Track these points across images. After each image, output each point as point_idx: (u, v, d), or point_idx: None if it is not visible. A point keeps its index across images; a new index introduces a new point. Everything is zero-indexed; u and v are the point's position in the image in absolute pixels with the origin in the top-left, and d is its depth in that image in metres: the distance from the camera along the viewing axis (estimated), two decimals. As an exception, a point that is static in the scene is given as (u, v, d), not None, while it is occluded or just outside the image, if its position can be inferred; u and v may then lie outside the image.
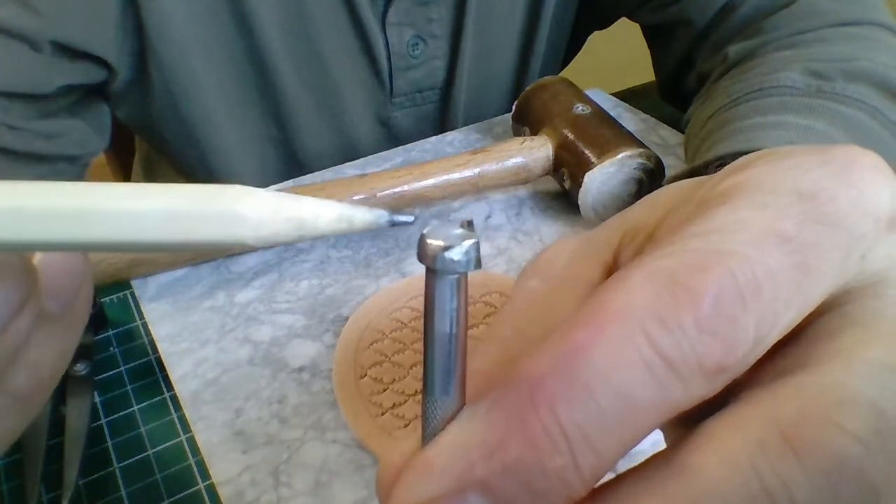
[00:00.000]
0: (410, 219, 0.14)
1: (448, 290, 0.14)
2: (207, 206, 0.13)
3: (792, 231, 0.14)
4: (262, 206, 0.13)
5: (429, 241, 0.13)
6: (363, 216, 0.14)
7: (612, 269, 0.18)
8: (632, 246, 0.18)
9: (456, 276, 0.14)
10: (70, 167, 0.54)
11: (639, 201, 0.19)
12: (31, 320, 0.18)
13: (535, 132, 0.51)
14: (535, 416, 0.13)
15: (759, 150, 0.43)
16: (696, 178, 0.18)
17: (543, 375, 0.13)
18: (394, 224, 0.14)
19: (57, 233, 0.13)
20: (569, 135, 0.48)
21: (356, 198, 0.44)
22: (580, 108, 0.50)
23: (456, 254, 0.13)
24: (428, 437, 0.14)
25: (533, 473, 0.13)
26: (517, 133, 0.54)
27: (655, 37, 0.63)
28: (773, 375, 0.14)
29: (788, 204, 0.14)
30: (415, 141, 0.59)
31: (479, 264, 0.14)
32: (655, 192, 0.19)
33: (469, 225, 0.14)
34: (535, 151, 0.48)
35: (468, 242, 0.13)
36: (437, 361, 0.14)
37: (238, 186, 0.14)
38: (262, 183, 0.55)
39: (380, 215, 0.14)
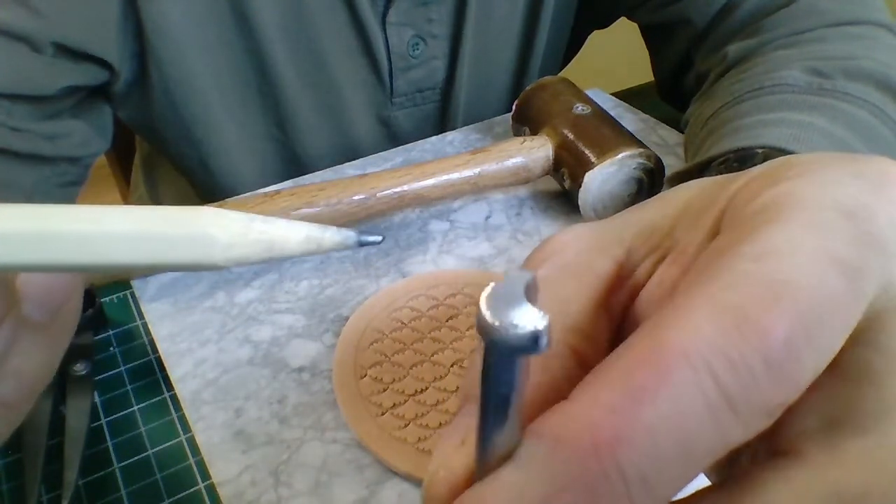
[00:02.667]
0: (378, 239, 0.14)
1: (512, 368, 0.13)
2: (179, 228, 0.13)
3: (843, 253, 0.13)
4: (233, 229, 0.14)
5: (494, 322, 0.12)
6: (331, 237, 0.14)
7: (623, 265, 0.18)
8: (646, 245, 0.18)
9: (522, 357, 0.12)
10: (72, 168, 0.54)
11: (649, 200, 0.19)
12: (12, 332, 0.18)
13: (535, 132, 0.51)
14: (596, 462, 0.13)
15: (761, 146, 0.43)
16: (711, 179, 0.18)
17: (606, 419, 0.13)
18: (362, 244, 0.14)
19: (31, 256, 0.13)
20: (569, 135, 0.48)
21: (356, 198, 0.44)
22: (580, 107, 0.50)
23: (526, 340, 0.12)
24: (481, 462, 0.14)
25: None
26: (517, 133, 0.54)
27: (654, 37, 0.63)
28: (818, 420, 0.14)
29: (834, 223, 0.14)
30: (415, 141, 0.59)
31: (549, 344, 0.12)
32: (668, 191, 0.19)
33: (533, 287, 0.13)
34: (535, 151, 0.48)
35: (542, 324, 0.12)
36: (491, 415, 0.13)
37: (209, 209, 0.14)
38: (262, 183, 0.55)
39: (348, 236, 0.14)
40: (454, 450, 0.15)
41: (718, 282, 0.13)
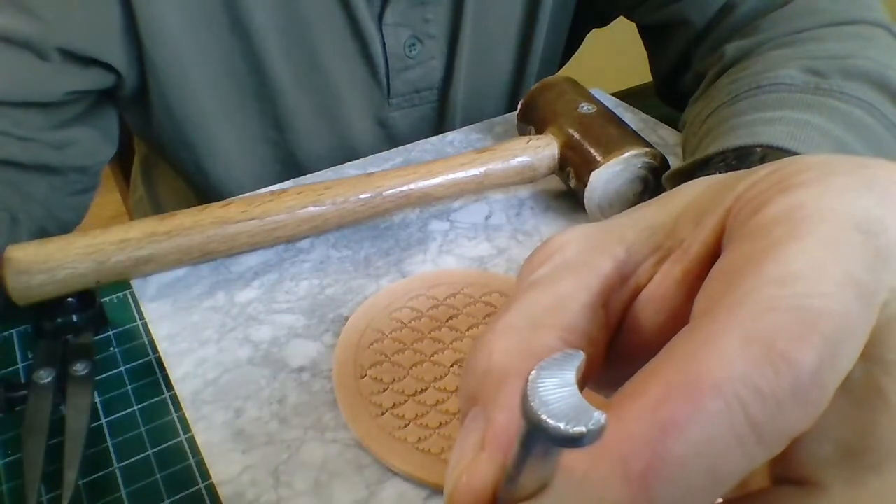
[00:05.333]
0: None
1: (552, 458, 0.13)
2: None
3: (860, 276, 0.14)
4: None
5: (542, 416, 0.11)
6: None
7: (624, 264, 0.18)
8: (648, 244, 0.18)
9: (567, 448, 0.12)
10: (82, 177, 0.54)
11: (650, 201, 0.19)
12: None
13: (540, 131, 0.51)
14: (628, 495, 0.13)
15: (759, 144, 0.43)
16: (713, 178, 0.18)
17: (638, 452, 0.13)
18: None
19: None
20: (574, 134, 0.48)
21: (363, 196, 0.44)
22: (585, 107, 0.50)
23: (575, 438, 0.11)
24: (511, 482, 0.14)
25: None
26: (522, 132, 0.54)
27: (653, 36, 0.63)
28: (835, 447, 0.14)
29: (851, 241, 0.14)
30: (412, 142, 0.59)
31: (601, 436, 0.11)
32: (670, 191, 0.19)
33: (579, 367, 0.12)
34: (541, 150, 0.48)
35: (595, 426, 0.11)
36: (525, 463, 0.13)
37: None
38: (260, 185, 0.55)
39: None
40: (475, 455, 0.15)
41: (746, 308, 0.14)
